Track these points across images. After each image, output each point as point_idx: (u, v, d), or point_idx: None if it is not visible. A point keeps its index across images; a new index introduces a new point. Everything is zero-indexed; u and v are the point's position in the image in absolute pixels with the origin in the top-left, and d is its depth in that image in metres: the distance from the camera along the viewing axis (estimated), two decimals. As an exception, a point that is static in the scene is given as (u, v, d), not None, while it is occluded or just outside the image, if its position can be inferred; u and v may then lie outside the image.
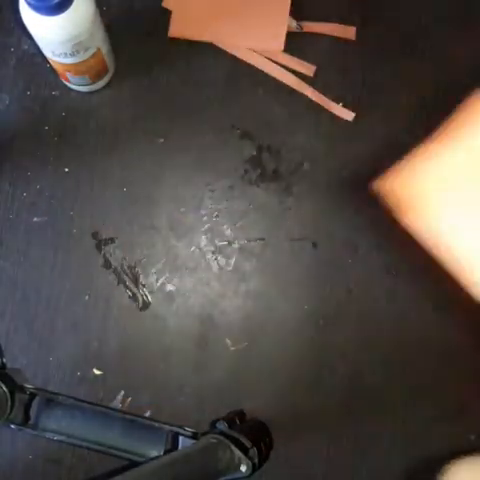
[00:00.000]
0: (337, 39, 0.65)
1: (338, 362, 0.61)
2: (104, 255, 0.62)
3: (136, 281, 0.62)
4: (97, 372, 0.61)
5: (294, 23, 0.65)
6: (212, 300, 0.62)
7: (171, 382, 0.61)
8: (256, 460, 0.50)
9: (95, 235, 0.63)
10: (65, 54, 0.54)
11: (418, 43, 0.65)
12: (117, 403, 0.61)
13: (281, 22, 0.64)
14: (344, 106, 0.64)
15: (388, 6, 0.66)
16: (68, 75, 0.59)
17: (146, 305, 0.62)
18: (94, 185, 0.63)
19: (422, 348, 0.61)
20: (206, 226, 0.63)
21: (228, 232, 0.63)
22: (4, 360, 0.58)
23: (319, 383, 0.61)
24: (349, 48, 0.65)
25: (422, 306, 0.61)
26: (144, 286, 0.62)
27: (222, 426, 0.53)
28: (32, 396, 0.56)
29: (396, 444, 0.60)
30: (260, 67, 0.65)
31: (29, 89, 0.64)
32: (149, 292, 0.62)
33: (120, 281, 0.62)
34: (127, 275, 0.62)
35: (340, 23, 0.65)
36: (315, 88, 0.64)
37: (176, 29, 0.65)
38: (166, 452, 0.55)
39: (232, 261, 0.62)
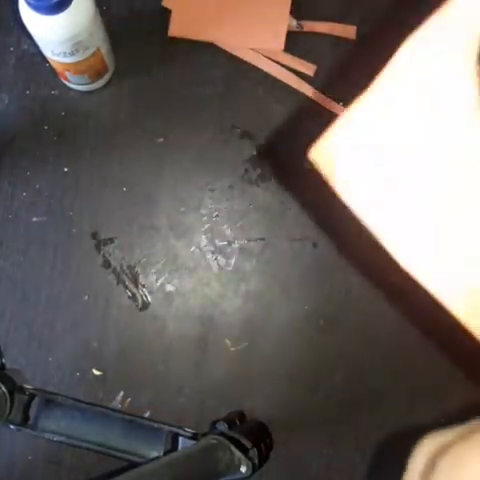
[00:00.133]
0: (337, 39, 0.65)
1: (338, 362, 0.61)
2: (103, 255, 0.62)
3: (136, 281, 0.62)
4: (96, 372, 0.61)
5: (294, 22, 0.64)
6: (212, 300, 0.62)
7: (171, 382, 0.61)
8: (256, 461, 0.50)
9: (94, 235, 0.62)
10: (64, 53, 0.54)
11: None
12: (117, 403, 0.60)
13: (281, 21, 0.64)
14: (344, 106, 0.64)
15: (388, 6, 0.66)
16: (67, 74, 0.59)
17: (146, 305, 0.62)
18: (94, 185, 0.63)
19: (422, 348, 0.61)
20: (206, 226, 0.63)
21: (228, 232, 0.63)
22: (3, 360, 0.58)
23: (319, 383, 0.61)
24: (349, 48, 0.65)
25: (422, 306, 0.61)
26: (144, 286, 0.62)
27: (222, 427, 0.53)
28: (31, 396, 0.56)
29: (396, 444, 0.60)
30: (260, 67, 0.64)
31: (28, 88, 0.64)
32: (149, 292, 0.62)
33: (120, 281, 0.62)
34: (127, 275, 0.62)
35: (340, 23, 0.65)
36: (315, 88, 0.64)
37: (176, 28, 0.64)
38: (166, 453, 0.55)
39: (232, 261, 0.62)
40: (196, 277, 0.62)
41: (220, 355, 0.61)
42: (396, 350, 0.61)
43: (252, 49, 0.65)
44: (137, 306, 0.62)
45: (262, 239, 0.63)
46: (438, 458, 0.28)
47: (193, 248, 0.63)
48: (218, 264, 0.62)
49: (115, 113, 0.64)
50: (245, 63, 0.64)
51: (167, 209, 0.63)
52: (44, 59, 0.60)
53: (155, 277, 0.62)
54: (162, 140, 0.64)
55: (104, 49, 0.58)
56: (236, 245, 0.62)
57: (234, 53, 0.65)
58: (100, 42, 0.56)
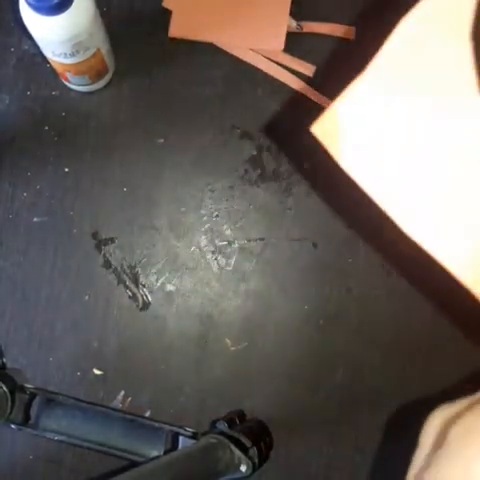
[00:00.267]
0: (337, 39, 0.65)
1: (338, 361, 0.61)
2: (104, 255, 0.62)
3: (136, 281, 0.62)
4: (97, 372, 0.61)
5: (294, 23, 0.65)
6: (212, 300, 0.62)
7: (171, 382, 0.61)
8: (256, 460, 0.50)
9: (95, 235, 0.63)
10: (65, 54, 0.54)
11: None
12: (117, 403, 0.61)
13: (281, 22, 0.64)
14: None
15: (388, 6, 0.66)
16: (68, 75, 0.59)
17: (146, 305, 0.62)
18: (94, 185, 0.63)
19: (422, 347, 0.61)
20: (206, 226, 0.63)
21: (228, 232, 0.63)
22: (4, 360, 0.58)
23: (319, 382, 0.61)
24: (349, 48, 0.65)
25: (421, 306, 0.61)
26: (144, 286, 0.62)
27: (222, 426, 0.53)
28: (32, 396, 0.56)
29: (396, 444, 0.60)
30: (260, 67, 0.65)
31: (29, 89, 0.64)
32: (149, 292, 0.62)
33: (120, 281, 0.62)
34: (127, 275, 0.62)
35: (340, 23, 0.65)
36: (315, 88, 0.64)
37: (176, 29, 0.65)
38: (166, 452, 0.55)
39: (232, 261, 0.62)
40: (196, 277, 0.62)
41: (220, 354, 0.61)
42: (396, 350, 0.61)
43: (252, 50, 0.65)
44: (137, 306, 0.62)
45: (262, 239, 0.63)
46: (448, 429, 0.28)
47: (193, 248, 0.63)
48: (218, 264, 0.62)
49: (115, 114, 0.64)
50: (245, 64, 0.65)
51: (167, 209, 0.63)
52: (45, 60, 0.61)
53: (155, 277, 0.62)
54: (162, 141, 0.64)
55: (104, 50, 0.58)
56: (236, 245, 0.63)
57: (234, 54, 0.65)
58: (100, 43, 0.56)
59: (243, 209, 0.63)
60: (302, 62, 0.65)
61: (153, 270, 0.62)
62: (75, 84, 0.62)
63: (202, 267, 0.62)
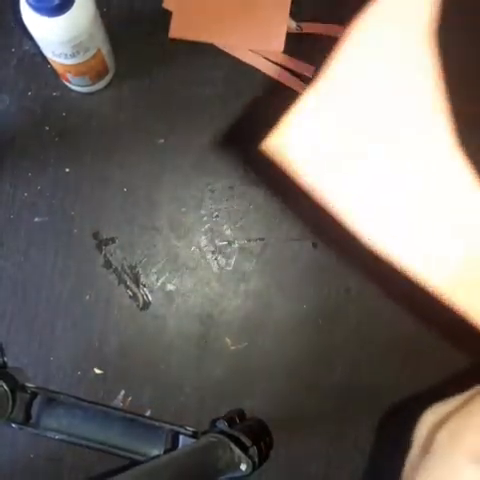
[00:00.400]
0: (337, 39, 0.65)
1: (337, 361, 0.61)
2: (105, 255, 0.63)
3: (136, 281, 0.62)
4: (98, 371, 0.61)
5: (294, 24, 0.65)
6: (212, 300, 0.62)
7: (171, 381, 0.61)
8: (256, 459, 0.50)
9: (96, 235, 0.63)
10: (65, 55, 0.54)
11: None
12: (118, 402, 0.61)
13: (281, 23, 0.65)
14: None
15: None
16: (68, 76, 0.59)
17: (146, 305, 0.62)
18: (95, 185, 0.63)
19: (422, 346, 0.61)
20: (206, 226, 0.63)
21: (228, 232, 0.63)
22: (5, 359, 0.58)
23: (319, 382, 0.61)
24: (349, 49, 0.65)
25: (421, 305, 0.61)
26: (144, 286, 0.62)
27: (222, 425, 0.53)
28: (33, 395, 0.56)
29: (396, 443, 0.60)
30: (260, 68, 0.65)
31: (30, 89, 0.64)
32: (149, 292, 0.62)
33: (121, 281, 0.62)
34: (128, 275, 0.62)
35: (340, 24, 0.65)
36: (315, 88, 0.64)
37: (176, 30, 0.65)
38: (166, 451, 0.56)
39: (232, 261, 0.63)
40: (196, 277, 0.62)
41: (220, 354, 0.61)
42: (394, 349, 0.61)
43: (252, 50, 0.65)
44: (138, 306, 0.62)
45: (262, 239, 0.63)
46: (435, 432, 0.29)
47: (193, 248, 0.63)
48: (218, 264, 0.63)
49: (116, 114, 0.64)
50: (245, 64, 0.65)
51: (168, 209, 0.63)
52: (45, 60, 0.61)
53: (156, 277, 0.62)
54: (163, 141, 0.64)
55: (105, 50, 0.58)
56: (236, 245, 0.63)
57: (234, 54, 0.65)
58: (101, 43, 0.57)
59: (243, 209, 0.63)
60: (302, 63, 0.65)
61: (153, 270, 0.63)
62: (75, 85, 0.62)
63: (202, 267, 0.63)
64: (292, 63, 0.65)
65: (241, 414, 0.59)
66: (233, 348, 0.62)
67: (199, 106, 0.64)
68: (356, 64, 0.24)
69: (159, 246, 0.63)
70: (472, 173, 0.23)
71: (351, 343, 0.61)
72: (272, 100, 0.65)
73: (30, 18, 0.51)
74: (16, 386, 0.55)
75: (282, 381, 0.61)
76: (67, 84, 0.63)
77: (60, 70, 0.59)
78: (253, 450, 0.50)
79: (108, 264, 0.62)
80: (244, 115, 0.64)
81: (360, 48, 0.24)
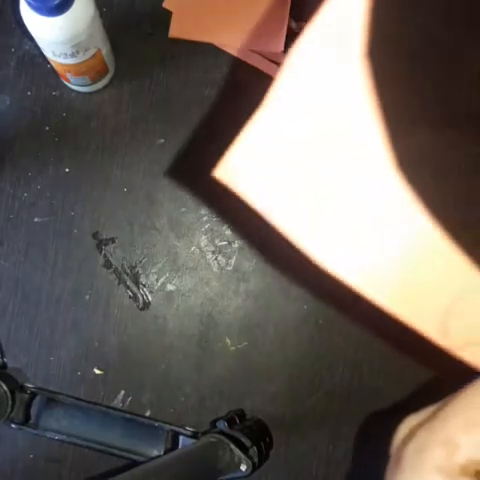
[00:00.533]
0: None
1: (337, 361, 0.61)
2: (104, 255, 0.63)
3: (136, 281, 0.62)
4: (97, 372, 0.61)
5: (294, 24, 0.65)
6: (212, 300, 0.62)
7: (171, 381, 0.61)
8: (256, 459, 0.50)
9: (95, 235, 0.63)
10: (65, 55, 0.54)
11: (418, 43, 0.66)
12: (117, 402, 0.61)
13: (281, 23, 0.64)
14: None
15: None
16: (68, 76, 0.59)
17: (146, 305, 0.62)
18: (95, 185, 0.63)
19: (422, 346, 0.61)
20: (206, 226, 0.63)
21: (228, 232, 0.63)
22: (5, 359, 0.58)
23: (319, 382, 0.61)
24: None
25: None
26: (144, 286, 0.62)
27: (222, 425, 0.53)
28: (33, 395, 0.56)
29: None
30: (260, 68, 0.65)
31: (30, 90, 0.64)
32: (149, 292, 0.62)
33: (120, 281, 0.62)
34: (127, 275, 0.62)
35: (340, 24, 0.65)
36: (315, 88, 0.64)
37: (177, 30, 0.65)
38: (166, 451, 0.56)
39: (232, 261, 0.63)
40: (196, 277, 0.62)
41: (220, 354, 0.61)
42: (396, 349, 0.61)
43: (252, 50, 0.65)
44: (138, 306, 0.62)
45: (262, 238, 0.63)
46: (405, 446, 0.28)
47: (193, 248, 0.63)
48: (218, 264, 0.63)
49: (116, 114, 0.64)
50: (245, 64, 0.65)
51: (168, 209, 0.63)
52: (45, 60, 0.61)
53: (156, 277, 0.62)
54: (162, 141, 0.64)
55: (104, 50, 0.58)
56: (236, 245, 0.63)
57: (234, 54, 0.65)
58: (100, 43, 0.57)
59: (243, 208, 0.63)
60: (302, 62, 0.65)
61: (153, 270, 0.63)
62: (75, 85, 0.62)
63: (202, 267, 0.63)
64: (292, 63, 0.65)
65: (241, 414, 0.59)
66: (233, 348, 0.62)
67: (199, 106, 0.64)
68: (296, 88, 0.25)
69: (159, 246, 0.63)
70: (411, 189, 0.23)
71: (352, 343, 0.61)
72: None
73: (30, 18, 0.51)
74: (16, 386, 0.55)
75: (282, 381, 0.61)
76: (67, 84, 0.63)
77: (60, 70, 0.59)
78: (253, 450, 0.50)
79: (108, 264, 0.62)
80: (244, 115, 0.64)
81: (299, 71, 0.24)
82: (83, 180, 0.63)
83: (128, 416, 0.57)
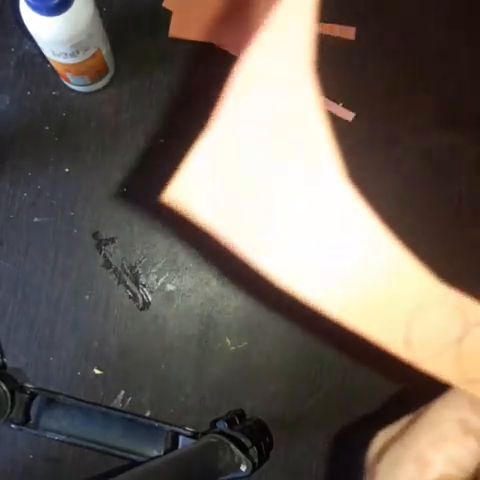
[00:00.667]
0: (337, 39, 0.65)
1: (338, 362, 0.61)
2: (104, 255, 0.63)
3: (136, 281, 0.62)
4: (97, 372, 0.61)
5: (294, 23, 0.65)
6: (212, 300, 0.62)
7: (171, 382, 0.61)
8: (256, 460, 0.50)
9: (95, 235, 0.63)
10: (65, 54, 0.54)
11: (418, 43, 0.66)
12: (117, 403, 0.61)
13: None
14: (344, 106, 0.64)
15: (388, 6, 0.66)
16: (68, 75, 0.59)
17: (146, 305, 0.62)
18: (94, 185, 0.63)
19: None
20: (206, 226, 0.63)
21: (228, 232, 0.63)
22: (5, 360, 0.58)
23: (319, 382, 0.61)
24: (349, 48, 0.65)
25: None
26: (144, 286, 0.62)
27: (222, 426, 0.53)
28: (33, 396, 0.56)
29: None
30: (260, 67, 0.65)
31: (30, 89, 0.64)
32: (149, 292, 0.62)
33: (120, 281, 0.62)
34: (127, 275, 0.62)
35: (340, 23, 0.65)
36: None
37: (177, 29, 0.65)
38: (166, 452, 0.56)
39: (232, 261, 0.62)
40: (196, 277, 0.62)
41: (220, 354, 0.61)
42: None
43: (252, 50, 0.65)
44: (138, 306, 0.62)
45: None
46: (378, 461, 0.28)
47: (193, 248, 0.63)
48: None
49: (116, 114, 0.64)
50: (245, 64, 0.65)
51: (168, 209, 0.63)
52: (45, 60, 0.61)
53: (156, 277, 0.62)
54: (162, 141, 0.64)
55: (104, 50, 0.58)
56: (236, 245, 0.63)
57: (234, 54, 0.65)
58: (100, 43, 0.56)
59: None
60: (302, 62, 0.65)
61: (153, 270, 0.62)
62: (75, 84, 0.62)
63: (202, 267, 0.63)
64: (292, 63, 0.65)
65: (241, 414, 0.59)
66: (233, 348, 0.61)
67: (199, 106, 0.64)
68: (240, 109, 0.25)
69: (159, 246, 0.63)
70: (360, 201, 0.23)
71: (352, 343, 0.61)
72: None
73: (29, 18, 0.51)
74: (15, 387, 0.55)
75: (282, 381, 0.61)
76: (67, 84, 0.63)
77: (60, 70, 0.59)
78: (253, 451, 0.50)
79: (108, 264, 0.62)
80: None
81: (244, 90, 0.24)
82: (83, 180, 0.63)
83: (128, 416, 0.57)
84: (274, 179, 0.24)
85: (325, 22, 0.65)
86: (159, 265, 0.62)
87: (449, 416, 0.26)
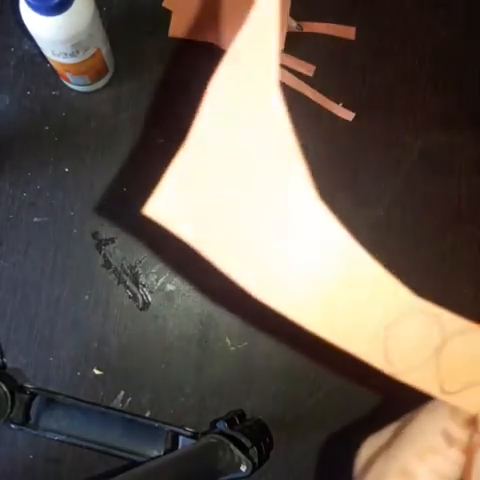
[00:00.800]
0: (337, 39, 0.65)
1: (338, 362, 0.61)
2: (104, 255, 0.62)
3: (136, 281, 0.62)
4: (97, 372, 0.61)
5: (294, 23, 0.65)
6: (212, 300, 0.62)
7: (171, 382, 0.61)
8: (256, 460, 0.50)
9: (95, 235, 0.63)
10: (65, 54, 0.54)
11: (418, 43, 0.66)
12: (117, 403, 0.61)
13: (281, 22, 0.64)
14: (344, 106, 0.64)
15: (388, 6, 0.66)
16: (68, 75, 0.59)
17: (146, 305, 0.62)
18: (94, 185, 0.63)
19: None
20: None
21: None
22: (4, 360, 0.58)
23: (319, 382, 0.61)
24: (349, 48, 0.65)
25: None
26: (144, 286, 0.62)
27: (222, 426, 0.53)
28: (32, 396, 0.56)
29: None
30: (260, 67, 0.65)
31: (29, 89, 0.64)
32: (149, 292, 0.62)
33: (120, 281, 0.62)
34: (127, 275, 0.62)
35: (340, 23, 0.65)
36: (315, 88, 0.64)
37: (176, 29, 0.65)
38: (166, 452, 0.56)
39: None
40: (196, 276, 0.62)
41: (220, 354, 0.61)
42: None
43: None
44: (138, 306, 0.62)
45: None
46: (365, 473, 0.28)
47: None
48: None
49: (115, 114, 0.64)
50: (245, 64, 0.65)
51: (167, 209, 0.63)
52: (45, 60, 0.61)
53: (155, 277, 0.62)
54: (162, 141, 0.64)
55: (104, 50, 0.58)
56: (236, 245, 0.63)
57: (234, 54, 0.65)
58: (100, 43, 0.56)
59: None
60: (302, 62, 0.65)
61: (153, 270, 0.62)
62: (75, 84, 0.62)
63: (202, 267, 0.62)
64: (292, 62, 0.65)
65: (241, 414, 0.58)
66: (233, 348, 0.61)
67: (199, 106, 0.64)
68: (214, 122, 0.25)
69: (159, 246, 0.63)
70: (331, 217, 0.24)
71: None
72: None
73: (29, 17, 0.51)
74: (15, 387, 0.55)
75: (282, 381, 0.61)
76: (67, 84, 0.63)
77: (60, 69, 0.59)
78: (253, 451, 0.50)
79: (108, 264, 0.62)
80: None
81: (219, 102, 0.24)
82: (83, 180, 0.63)
83: (128, 416, 0.57)
84: (247, 195, 0.24)
85: (326, 22, 0.65)
86: (159, 265, 0.62)
87: (432, 428, 0.26)
